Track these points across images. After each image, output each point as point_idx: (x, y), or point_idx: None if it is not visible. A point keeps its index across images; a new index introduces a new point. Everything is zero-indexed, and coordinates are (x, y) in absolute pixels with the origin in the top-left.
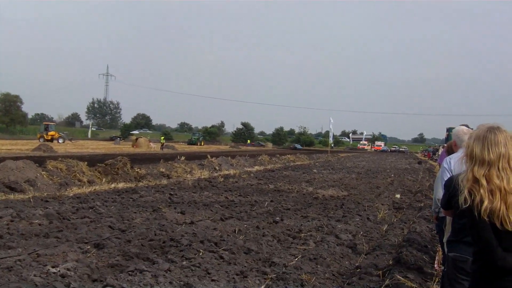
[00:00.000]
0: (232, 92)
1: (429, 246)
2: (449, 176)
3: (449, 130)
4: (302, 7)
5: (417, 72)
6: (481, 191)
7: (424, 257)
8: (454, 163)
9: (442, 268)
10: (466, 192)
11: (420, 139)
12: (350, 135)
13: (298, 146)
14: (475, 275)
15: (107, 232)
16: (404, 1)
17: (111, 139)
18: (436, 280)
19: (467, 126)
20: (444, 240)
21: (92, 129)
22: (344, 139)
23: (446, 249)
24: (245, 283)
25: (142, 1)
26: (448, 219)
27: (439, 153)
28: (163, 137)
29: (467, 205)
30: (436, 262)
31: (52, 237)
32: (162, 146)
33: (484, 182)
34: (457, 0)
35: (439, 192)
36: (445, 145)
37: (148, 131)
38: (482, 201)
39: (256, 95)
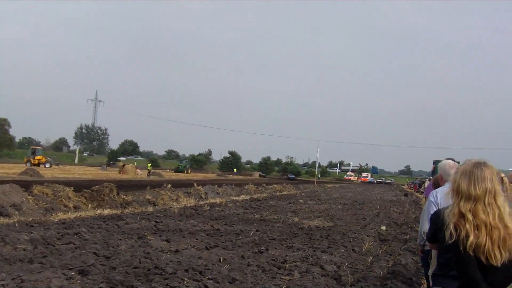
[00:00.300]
0: (220, 120)
1: (414, 279)
2: (435, 209)
3: (436, 163)
4: (290, 36)
5: (404, 103)
6: (467, 226)
7: None
8: (441, 197)
9: None
10: (451, 226)
11: (407, 171)
12: (337, 167)
13: (292, 176)
14: None
15: (91, 258)
16: (391, 31)
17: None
18: None
19: (453, 159)
20: (430, 273)
21: (81, 154)
22: (332, 170)
23: (431, 283)
24: None
25: (132, 27)
26: (434, 253)
27: (425, 185)
28: (150, 164)
29: (453, 240)
30: None
31: (36, 263)
32: (149, 173)
33: (470, 217)
34: (443, 36)
35: (425, 225)
36: (431, 178)
37: (139, 158)
38: (467, 236)
39: (244, 124)
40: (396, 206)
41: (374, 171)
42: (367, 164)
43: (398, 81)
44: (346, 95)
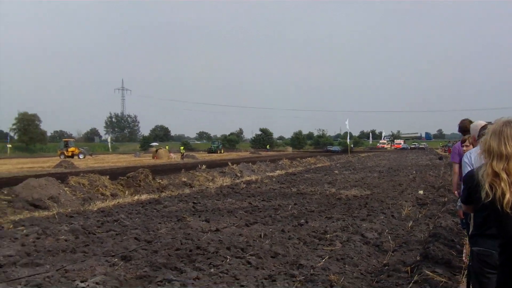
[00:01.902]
0: (249, 99)
1: (455, 240)
2: (470, 169)
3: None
4: (316, 13)
5: (432, 68)
6: (502, 184)
7: (451, 251)
8: (475, 157)
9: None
10: (487, 186)
11: (440, 135)
12: (369, 136)
13: (334, 148)
14: (502, 267)
15: (133, 244)
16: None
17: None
18: (465, 273)
19: (470, 120)
20: (470, 233)
21: (114, 142)
22: (365, 140)
23: (469, 243)
24: (274, 286)
25: (157, 15)
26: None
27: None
28: (183, 147)
29: (489, 199)
30: (464, 255)
31: (79, 252)
32: (183, 156)
33: (504, 175)
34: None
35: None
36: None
37: (172, 142)
38: (504, 194)
39: (273, 100)
40: (431, 170)
41: (427, 137)
42: (399, 131)
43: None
44: (375, 65)
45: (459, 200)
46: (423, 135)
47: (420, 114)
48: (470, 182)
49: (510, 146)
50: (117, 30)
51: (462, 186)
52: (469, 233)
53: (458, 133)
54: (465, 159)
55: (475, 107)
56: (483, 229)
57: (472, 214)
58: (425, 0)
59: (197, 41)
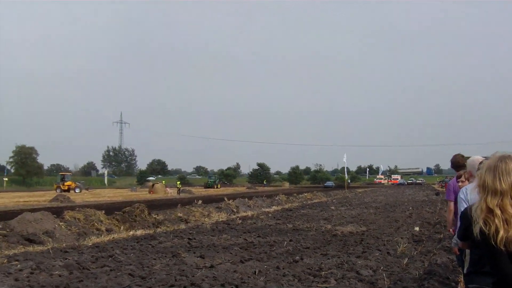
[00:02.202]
0: (246, 133)
1: (450, 277)
2: (465, 205)
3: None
4: (310, 43)
5: (429, 103)
6: (496, 221)
7: None
8: (470, 193)
9: None
10: (481, 222)
11: (437, 170)
12: (367, 171)
13: (328, 183)
14: None
15: (127, 280)
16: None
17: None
18: None
19: (462, 155)
20: (465, 271)
21: (108, 177)
22: (362, 176)
23: (465, 281)
24: None
25: (152, 46)
26: (468, 250)
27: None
28: (179, 182)
29: (483, 235)
30: None
31: None
32: (179, 191)
33: (498, 212)
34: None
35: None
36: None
37: (169, 176)
38: (497, 231)
39: (270, 135)
40: (428, 206)
41: (429, 172)
42: (396, 166)
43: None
44: (371, 100)
45: (454, 237)
46: (425, 170)
47: (417, 149)
48: (466, 218)
49: (505, 182)
50: (116, 63)
51: (458, 223)
52: (465, 270)
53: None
54: (460, 195)
55: (470, 141)
56: (479, 266)
57: (467, 251)
58: (429, 28)
59: (196, 74)
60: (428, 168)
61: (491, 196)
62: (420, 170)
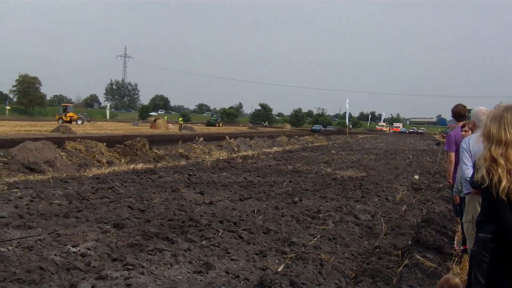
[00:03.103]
0: (250, 73)
1: (448, 227)
2: (467, 156)
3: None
4: None
5: (435, 53)
6: (499, 170)
7: (443, 237)
8: (473, 143)
9: (461, 248)
10: (484, 171)
11: (439, 121)
12: (368, 118)
13: (315, 127)
14: (494, 253)
15: (126, 212)
16: None
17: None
18: (455, 260)
19: (464, 105)
20: (463, 220)
21: (110, 110)
22: (365, 122)
23: (471, 228)
24: (264, 262)
25: None
26: (467, 199)
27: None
28: (181, 118)
29: (485, 184)
30: (455, 242)
31: (71, 217)
32: (181, 127)
33: (502, 161)
34: None
35: (464, 172)
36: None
37: (166, 112)
38: (500, 181)
39: (274, 76)
40: (428, 155)
41: (443, 123)
42: (398, 115)
43: (427, 31)
44: (378, 46)
45: (455, 185)
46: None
47: (419, 99)
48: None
49: (510, 132)
50: None
51: (467, 171)
52: (463, 219)
53: None
54: (463, 144)
55: (472, 94)
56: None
57: (467, 200)
58: None
59: (203, 11)
60: (441, 119)
61: (496, 145)
62: (434, 120)
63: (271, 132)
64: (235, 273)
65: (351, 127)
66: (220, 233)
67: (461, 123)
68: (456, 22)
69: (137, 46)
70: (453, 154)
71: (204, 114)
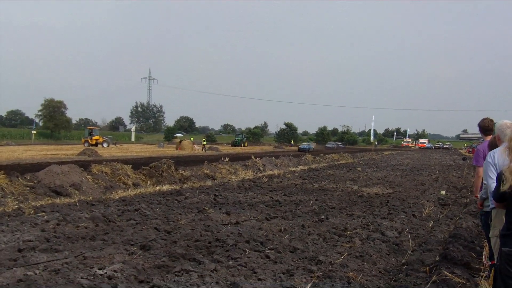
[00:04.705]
0: (275, 92)
1: (475, 242)
2: (493, 169)
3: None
4: (345, 6)
5: (459, 68)
6: None
7: (470, 252)
8: (498, 157)
9: (489, 263)
10: (509, 183)
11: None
12: (394, 134)
13: (303, 146)
14: None
15: (153, 233)
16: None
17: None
18: (484, 275)
19: (491, 120)
20: (491, 235)
21: (138, 132)
22: (389, 138)
23: (499, 243)
24: (291, 281)
25: (184, 3)
26: (494, 213)
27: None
28: (204, 139)
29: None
30: (483, 257)
31: (98, 240)
32: (204, 148)
33: None
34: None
35: (491, 186)
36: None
37: (190, 134)
38: None
39: (299, 95)
40: (454, 170)
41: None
42: (423, 130)
43: (453, 45)
44: (402, 62)
45: (481, 191)
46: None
47: (445, 114)
48: (501, 179)
49: None
50: (147, 19)
51: (493, 184)
52: (490, 234)
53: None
54: (488, 159)
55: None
56: None
57: (494, 214)
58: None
59: (227, 32)
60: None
61: None
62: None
63: (296, 151)
64: None
65: (376, 143)
66: (246, 253)
67: (488, 137)
68: (481, 34)
69: (161, 68)
70: (481, 169)
71: (228, 135)
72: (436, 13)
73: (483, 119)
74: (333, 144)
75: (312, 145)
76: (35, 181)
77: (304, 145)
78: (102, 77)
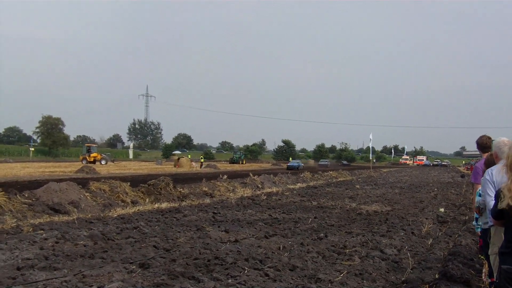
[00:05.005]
0: (272, 110)
1: (475, 259)
2: (491, 187)
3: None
4: (340, 23)
5: (456, 84)
6: None
7: (470, 270)
8: (496, 174)
9: (489, 280)
10: (509, 201)
11: (461, 153)
12: (392, 152)
13: (292, 163)
14: None
15: (151, 251)
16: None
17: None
18: None
19: (489, 137)
20: (490, 252)
21: (136, 149)
22: (387, 155)
23: (498, 261)
24: None
25: (183, 21)
26: (493, 231)
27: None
28: (201, 157)
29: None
30: (483, 274)
31: (97, 258)
32: (201, 165)
33: None
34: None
35: (489, 204)
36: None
37: (186, 151)
38: None
39: (296, 112)
40: (453, 187)
41: None
42: (421, 147)
43: (451, 61)
44: (398, 79)
45: (478, 199)
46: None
47: (442, 131)
48: (500, 197)
49: None
50: (143, 35)
51: (491, 202)
52: (489, 251)
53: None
54: (486, 176)
55: (496, 125)
56: None
57: (493, 232)
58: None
59: (223, 48)
60: None
61: None
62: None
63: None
64: None
65: (374, 161)
66: (246, 271)
67: (485, 155)
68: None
69: (159, 85)
70: (479, 186)
71: (225, 152)
72: (434, 25)
73: (481, 136)
74: (326, 161)
75: (302, 162)
76: (34, 199)
77: (293, 162)
78: (99, 94)
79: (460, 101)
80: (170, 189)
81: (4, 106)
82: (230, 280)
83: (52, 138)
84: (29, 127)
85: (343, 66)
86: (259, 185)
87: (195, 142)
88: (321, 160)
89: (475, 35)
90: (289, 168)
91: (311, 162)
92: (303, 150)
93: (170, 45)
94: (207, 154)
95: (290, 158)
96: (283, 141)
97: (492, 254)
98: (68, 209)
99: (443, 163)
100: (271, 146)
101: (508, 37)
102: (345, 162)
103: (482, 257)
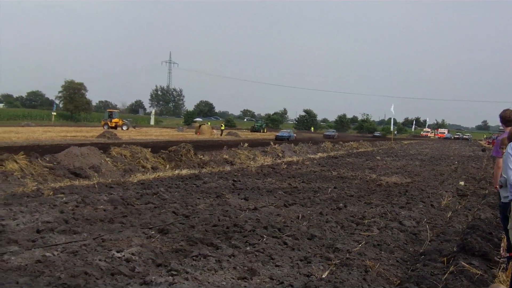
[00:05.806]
0: (295, 79)
1: (494, 233)
2: None
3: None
4: None
5: (480, 57)
6: None
7: (489, 244)
8: None
9: (507, 254)
10: None
11: (484, 127)
12: (413, 123)
13: (330, 133)
14: None
15: (171, 217)
16: None
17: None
18: (502, 267)
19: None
20: (509, 227)
21: (157, 116)
22: (408, 127)
23: None
24: (309, 268)
25: None
26: None
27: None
28: (222, 124)
29: None
30: (501, 249)
31: (116, 223)
32: (222, 133)
33: None
34: None
35: (510, 178)
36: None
37: (218, 118)
38: None
39: (319, 82)
40: (474, 161)
41: None
42: (443, 120)
43: (475, 35)
44: (422, 51)
45: (501, 178)
46: None
47: (465, 104)
48: None
49: None
50: (168, 3)
51: None
52: (508, 226)
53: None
54: (509, 149)
55: None
56: None
57: None
58: None
59: (247, 17)
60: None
61: None
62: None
63: (315, 138)
64: (279, 279)
65: (396, 132)
66: (264, 239)
67: (509, 128)
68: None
69: (182, 51)
70: (501, 160)
71: (245, 120)
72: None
73: (505, 110)
74: (332, 132)
75: (294, 132)
76: (55, 163)
77: (283, 132)
78: (122, 60)
79: (484, 74)
80: (191, 156)
81: (27, 70)
82: (248, 248)
83: (74, 103)
84: (52, 91)
85: (367, 38)
86: (280, 154)
87: (216, 110)
88: (327, 130)
89: (501, 9)
90: (278, 138)
91: (295, 132)
92: (325, 120)
93: (194, 12)
94: (228, 121)
95: (312, 128)
96: (305, 111)
97: (511, 228)
98: (89, 173)
99: (464, 137)
100: (292, 115)
101: None
102: (377, 134)
103: None
